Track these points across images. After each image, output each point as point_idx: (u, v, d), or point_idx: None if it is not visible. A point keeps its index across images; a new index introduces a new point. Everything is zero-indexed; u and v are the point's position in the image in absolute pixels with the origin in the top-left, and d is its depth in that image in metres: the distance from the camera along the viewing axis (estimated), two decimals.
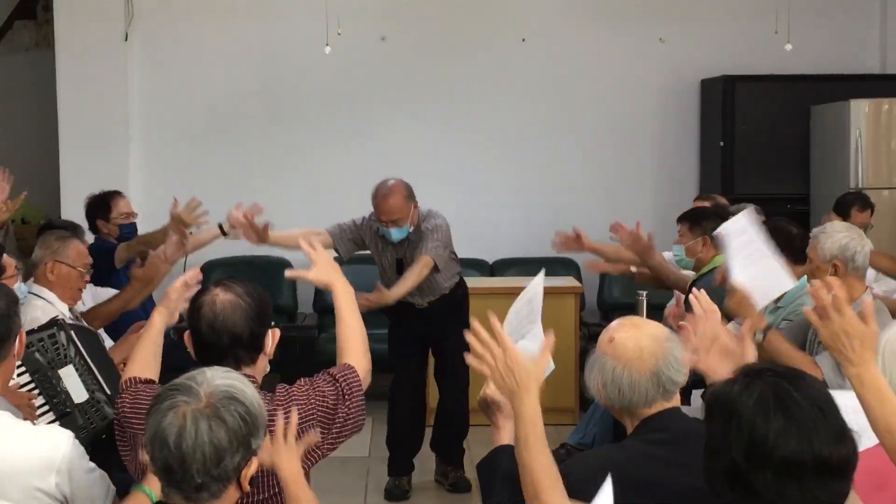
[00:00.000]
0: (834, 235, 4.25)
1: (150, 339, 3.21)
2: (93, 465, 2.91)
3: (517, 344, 2.99)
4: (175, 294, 3.30)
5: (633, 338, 2.66)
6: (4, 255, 4.25)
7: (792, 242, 4.59)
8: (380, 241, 5.67)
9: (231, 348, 2.80)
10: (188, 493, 2.14)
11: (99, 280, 5.75)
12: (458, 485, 5.87)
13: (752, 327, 3.11)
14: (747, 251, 3.93)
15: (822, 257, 4.22)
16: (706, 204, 6.38)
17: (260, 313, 2.84)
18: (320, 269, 3.29)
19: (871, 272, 6.89)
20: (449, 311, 5.76)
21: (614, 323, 2.75)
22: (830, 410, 2.00)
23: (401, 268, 5.64)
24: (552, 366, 3.00)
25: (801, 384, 2.01)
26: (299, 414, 2.73)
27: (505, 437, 2.93)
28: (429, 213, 5.67)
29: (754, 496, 1.97)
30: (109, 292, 5.46)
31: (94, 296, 5.35)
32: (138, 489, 2.78)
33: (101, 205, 6.22)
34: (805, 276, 4.54)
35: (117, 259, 5.96)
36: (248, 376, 2.76)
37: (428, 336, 5.84)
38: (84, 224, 6.16)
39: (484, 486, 2.97)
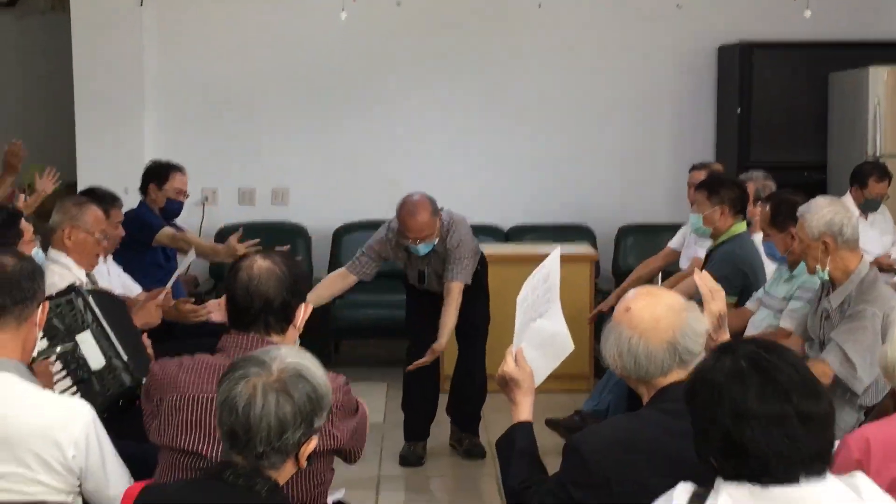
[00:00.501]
0: (819, 212, 4.22)
1: None
2: (113, 449, 2.94)
3: (535, 323, 3.00)
4: None
5: (649, 307, 2.66)
6: (22, 220, 4.27)
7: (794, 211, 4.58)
8: (402, 252, 5.66)
9: (262, 313, 2.87)
10: (249, 460, 2.24)
11: (132, 246, 5.80)
12: (472, 451, 5.88)
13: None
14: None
15: (811, 235, 4.21)
16: (703, 173, 6.40)
17: (294, 284, 2.91)
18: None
19: None
20: (468, 290, 5.79)
21: (631, 292, 2.75)
22: (805, 370, 2.12)
23: (422, 278, 5.70)
24: (571, 346, 3.01)
25: (776, 350, 2.14)
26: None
27: (522, 413, 2.98)
28: (450, 223, 5.57)
29: (750, 458, 2.06)
30: (135, 289, 5.43)
31: (122, 284, 5.35)
32: None
33: (160, 172, 6.33)
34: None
35: (157, 238, 6.01)
36: (276, 345, 2.81)
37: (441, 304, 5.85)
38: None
39: (503, 462, 3.00)
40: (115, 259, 5.62)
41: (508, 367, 2.99)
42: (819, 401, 2.08)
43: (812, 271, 4.27)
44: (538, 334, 3.08)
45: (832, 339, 4.14)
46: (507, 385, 2.99)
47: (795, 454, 2.05)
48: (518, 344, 3.09)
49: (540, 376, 3.07)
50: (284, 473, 2.29)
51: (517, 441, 2.94)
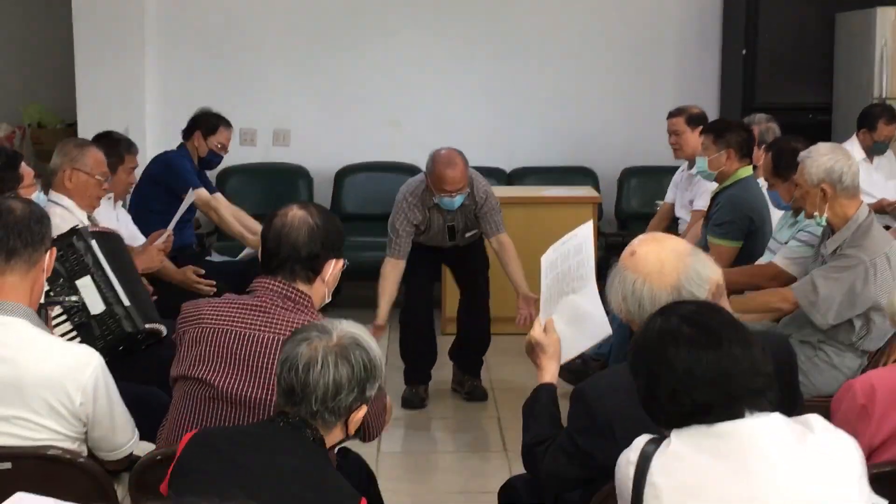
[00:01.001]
0: (819, 159, 4.20)
1: None
2: (120, 397, 2.94)
3: (568, 297, 2.97)
4: None
5: (654, 251, 2.64)
6: (22, 164, 4.23)
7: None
8: (429, 211, 5.58)
9: (288, 260, 2.91)
10: (304, 416, 2.36)
11: (156, 186, 5.77)
12: (474, 393, 5.91)
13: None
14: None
15: (810, 182, 4.19)
16: (681, 119, 6.40)
17: (326, 237, 2.94)
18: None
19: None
20: (470, 253, 5.82)
21: (637, 238, 2.73)
22: (734, 322, 2.19)
23: (452, 234, 5.65)
24: (609, 330, 2.97)
25: (708, 306, 2.26)
26: None
27: (546, 376, 3.01)
28: (471, 175, 5.54)
29: (695, 405, 2.10)
30: (139, 238, 5.41)
31: (130, 234, 5.31)
32: None
33: (209, 122, 6.28)
34: None
35: (188, 200, 5.90)
36: (300, 292, 2.88)
37: (446, 257, 5.84)
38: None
39: (524, 423, 3.03)
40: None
41: (536, 332, 3.02)
42: (750, 345, 2.14)
43: (810, 216, 4.26)
44: (572, 309, 3.05)
45: (809, 273, 4.19)
46: (534, 350, 3.03)
47: (735, 391, 2.10)
48: (548, 313, 3.08)
49: (569, 351, 3.07)
50: (332, 436, 2.40)
51: (539, 401, 2.98)
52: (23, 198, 3.09)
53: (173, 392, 2.96)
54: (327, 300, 3.02)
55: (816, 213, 4.19)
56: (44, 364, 2.79)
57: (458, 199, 5.45)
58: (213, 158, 6.32)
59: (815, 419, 2.17)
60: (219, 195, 6.42)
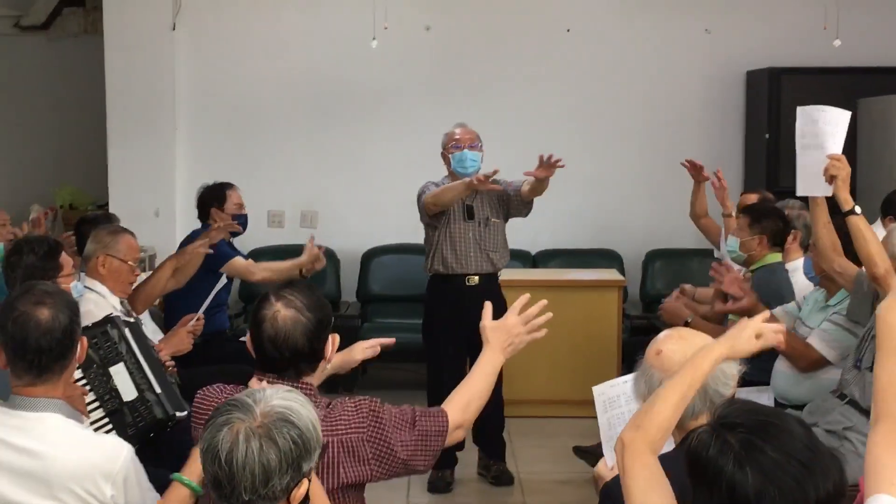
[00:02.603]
0: None
1: None
2: (151, 487, 2.96)
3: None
4: None
5: (680, 351, 2.68)
6: (63, 254, 4.31)
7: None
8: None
9: (292, 362, 2.87)
10: None
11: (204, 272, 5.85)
12: (500, 478, 5.90)
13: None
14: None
15: (891, 253, 4.23)
16: (754, 197, 6.36)
17: (320, 326, 2.88)
18: (498, 329, 3.32)
19: None
20: (492, 297, 5.78)
21: (662, 334, 2.77)
22: (810, 454, 2.02)
23: (471, 213, 5.78)
24: None
25: (776, 435, 2.02)
26: (348, 426, 2.83)
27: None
28: None
29: None
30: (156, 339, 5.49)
31: (151, 329, 5.40)
32: (176, 478, 2.82)
33: (217, 194, 6.37)
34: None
35: (231, 266, 6.07)
36: (306, 384, 2.84)
37: (464, 328, 5.85)
38: (187, 211, 6.26)
39: None
40: None
41: (601, 469, 3.04)
42: (823, 483, 2.00)
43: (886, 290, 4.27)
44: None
45: None
46: (597, 484, 3.02)
47: None
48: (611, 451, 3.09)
49: None
50: None
51: None
52: (48, 298, 2.97)
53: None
54: (326, 372, 3.01)
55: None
56: (75, 457, 2.83)
57: (470, 155, 5.75)
58: (240, 220, 6.37)
59: None
60: (251, 261, 6.52)
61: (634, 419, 2.42)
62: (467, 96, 8.37)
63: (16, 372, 2.92)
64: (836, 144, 4.32)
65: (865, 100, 7.91)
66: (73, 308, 3.02)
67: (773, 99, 8.07)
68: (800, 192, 4.48)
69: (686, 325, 5.33)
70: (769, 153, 8.09)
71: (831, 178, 4.23)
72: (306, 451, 2.19)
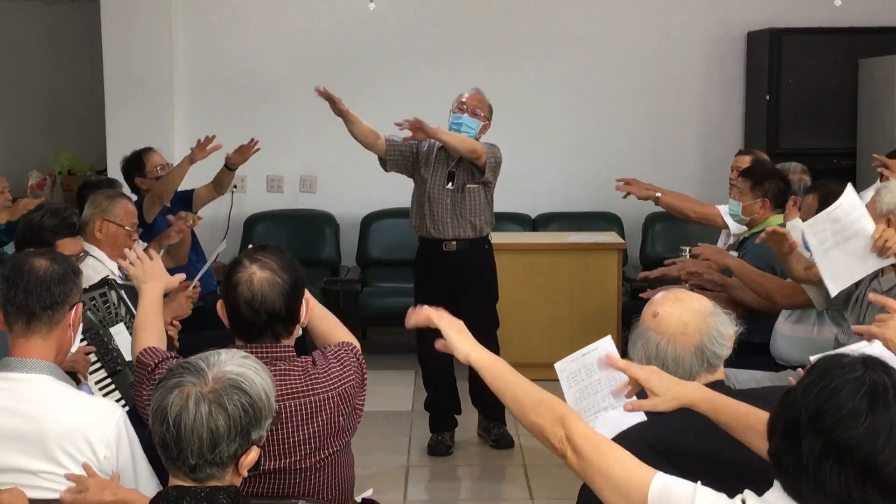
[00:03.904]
0: (894, 190, 4.24)
1: (152, 312, 3.26)
2: (144, 455, 2.96)
3: (604, 414, 3.00)
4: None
5: (677, 313, 2.68)
6: (75, 238, 4.35)
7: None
8: (441, 152, 5.78)
9: (269, 325, 2.86)
10: (184, 472, 2.18)
11: (142, 236, 5.82)
12: (500, 441, 5.91)
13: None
14: (837, 231, 4.13)
15: (879, 211, 4.21)
16: (747, 159, 6.34)
17: (295, 287, 2.89)
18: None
19: None
20: (475, 262, 5.82)
21: (658, 296, 2.76)
22: None
23: (452, 179, 5.77)
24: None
25: None
26: (341, 377, 2.88)
27: None
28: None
29: (794, 456, 1.97)
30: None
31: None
32: None
33: (135, 163, 6.32)
34: None
35: (146, 213, 5.99)
36: (285, 347, 2.86)
37: (454, 292, 5.84)
38: (125, 185, 6.25)
39: None
40: None
41: None
42: None
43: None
44: (613, 424, 3.10)
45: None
46: None
47: (836, 492, 1.93)
48: None
49: None
50: (227, 483, 2.21)
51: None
52: (48, 254, 3.08)
53: None
54: (299, 334, 3.00)
55: None
56: (67, 418, 2.83)
57: (465, 119, 5.74)
58: None
59: None
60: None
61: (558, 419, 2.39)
62: (465, 60, 8.32)
63: (7, 320, 2.95)
64: (868, 219, 4.10)
65: (866, 60, 7.88)
66: (72, 267, 3.07)
67: (773, 60, 8.03)
68: (840, 288, 4.21)
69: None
70: (769, 114, 8.06)
71: (886, 251, 4.00)
72: (256, 420, 2.19)
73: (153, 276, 3.36)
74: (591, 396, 3.04)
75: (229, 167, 6.43)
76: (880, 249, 3.95)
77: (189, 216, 5.74)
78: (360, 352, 3.05)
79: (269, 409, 2.22)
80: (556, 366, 3.22)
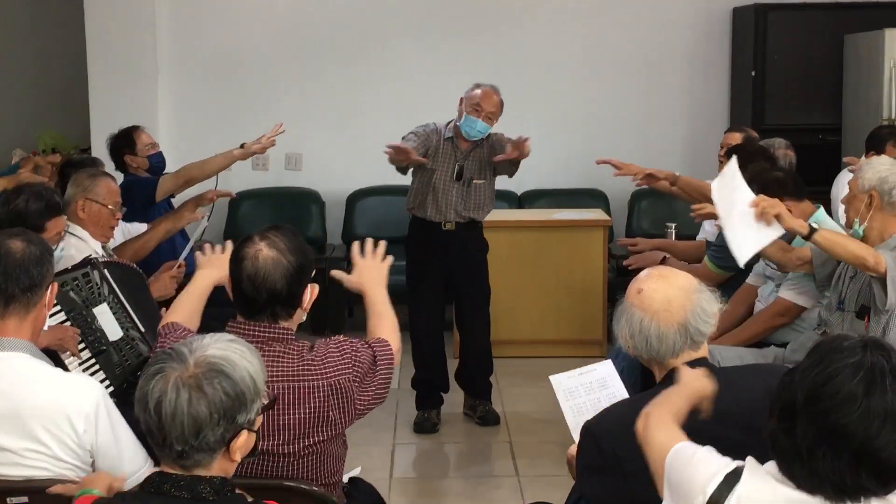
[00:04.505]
0: (877, 167, 4.25)
1: (194, 294, 3.31)
2: (128, 427, 2.94)
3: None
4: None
5: (661, 289, 2.67)
6: (58, 218, 4.30)
7: (784, 185, 4.64)
8: (448, 144, 5.74)
9: (269, 304, 2.85)
10: (172, 458, 2.17)
11: (138, 214, 5.79)
12: (486, 417, 5.92)
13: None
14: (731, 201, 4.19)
15: (861, 187, 4.21)
16: (738, 136, 6.32)
17: (300, 271, 2.86)
18: (362, 273, 3.36)
19: None
20: (470, 242, 5.82)
21: (643, 273, 2.76)
22: None
23: (461, 175, 5.74)
24: None
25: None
26: (336, 368, 2.81)
27: None
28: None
29: (790, 440, 1.97)
30: (139, 228, 5.51)
31: (123, 231, 5.40)
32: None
33: (125, 140, 6.22)
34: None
35: (160, 191, 5.95)
36: (284, 329, 2.83)
37: (447, 270, 5.85)
38: (109, 162, 6.19)
39: None
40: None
41: (573, 451, 3.00)
42: None
43: (850, 225, 4.26)
44: None
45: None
46: (571, 465, 3.01)
47: (828, 476, 1.95)
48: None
49: None
50: (219, 469, 2.20)
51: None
52: (26, 233, 3.06)
53: None
54: (303, 319, 2.99)
55: (857, 220, 4.20)
56: (45, 395, 2.82)
57: (479, 126, 5.68)
58: (154, 160, 6.22)
59: None
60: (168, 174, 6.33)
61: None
62: (453, 39, 8.30)
63: None
64: (747, 191, 4.17)
65: (851, 35, 7.88)
66: (46, 247, 3.05)
67: (759, 36, 8.03)
68: (748, 257, 4.23)
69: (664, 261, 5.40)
70: (755, 90, 8.06)
71: (773, 218, 4.06)
72: (240, 404, 2.17)
73: (211, 263, 3.39)
74: (590, 412, 3.05)
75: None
76: (760, 216, 4.04)
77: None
78: (388, 354, 3.00)
79: (256, 392, 2.20)
80: (552, 378, 3.28)
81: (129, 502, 2.23)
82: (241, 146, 6.00)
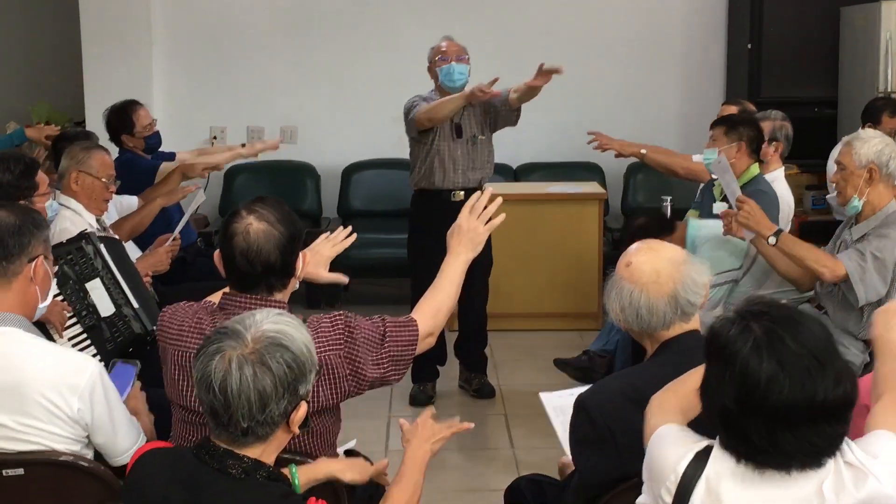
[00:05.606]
0: (870, 141, 4.27)
1: None
2: (122, 403, 2.96)
3: None
4: None
5: (650, 261, 2.68)
6: (39, 172, 4.26)
7: (648, 230, 4.87)
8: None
9: (264, 277, 2.83)
10: (235, 436, 2.19)
11: (132, 192, 5.78)
12: (482, 390, 5.93)
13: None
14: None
15: (858, 163, 4.22)
16: (734, 109, 6.31)
17: (292, 240, 2.86)
18: (462, 231, 3.38)
19: None
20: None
21: (632, 247, 2.76)
22: (827, 355, 2.01)
23: (459, 132, 5.73)
24: None
25: (797, 329, 2.02)
26: (326, 344, 2.80)
27: None
28: None
29: (748, 441, 2.02)
30: (132, 201, 5.50)
31: (117, 206, 5.39)
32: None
33: (123, 119, 6.13)
34: None
35: (159, 178, 5.92)
36: (278, 302, 2.83)
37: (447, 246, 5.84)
38: (104, 134, 6.16)
39: None
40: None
41: (564, 460, 3.06)
42: (837, 387, 1.99)
43: (845, 201, 4.27)
44: None
45: (856, 247, 4.22)
46: (563, 472, 3.06)
47: (798, 450, 2.00)
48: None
49: None
50: (277, 442, 2.25)
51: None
52: (9, 206, 3.03)
53: (172, 412, 2.92)
54: (295, 288, 2.98)
55: (856, 196, 4.21)
56: (40, 370, 2.81)
57: (457, 67, 5.70)
58: (151, 140, 6.18)
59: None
60: (177, 155, 6.38)
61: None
62: (448, 10, 8.27)
63: None
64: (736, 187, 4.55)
65: (848, 7, 7.86)
66: (31, 220, 2.99)
67: (755, 8, 8.02)
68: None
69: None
70: (751, 63, 8.05)
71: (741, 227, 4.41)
72: (301, 374, 2.20)
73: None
74: None
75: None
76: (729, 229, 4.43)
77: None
78: (404, 333, 2.98)
79: (312, 362, 2.23)
80: (542, 396, 3.36)
81: (171, 458, 2.29)
82: (242, 146, 6.02)
